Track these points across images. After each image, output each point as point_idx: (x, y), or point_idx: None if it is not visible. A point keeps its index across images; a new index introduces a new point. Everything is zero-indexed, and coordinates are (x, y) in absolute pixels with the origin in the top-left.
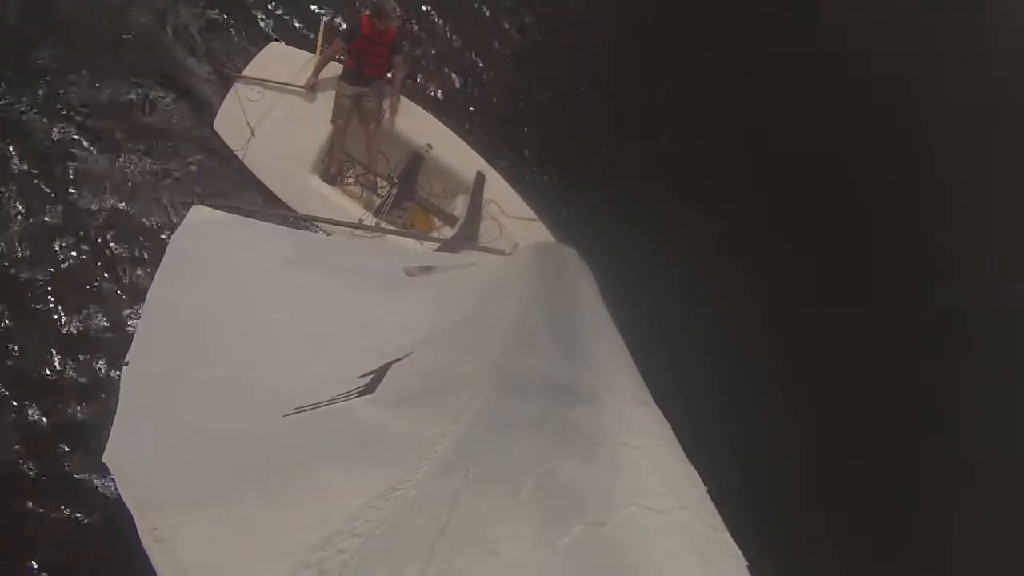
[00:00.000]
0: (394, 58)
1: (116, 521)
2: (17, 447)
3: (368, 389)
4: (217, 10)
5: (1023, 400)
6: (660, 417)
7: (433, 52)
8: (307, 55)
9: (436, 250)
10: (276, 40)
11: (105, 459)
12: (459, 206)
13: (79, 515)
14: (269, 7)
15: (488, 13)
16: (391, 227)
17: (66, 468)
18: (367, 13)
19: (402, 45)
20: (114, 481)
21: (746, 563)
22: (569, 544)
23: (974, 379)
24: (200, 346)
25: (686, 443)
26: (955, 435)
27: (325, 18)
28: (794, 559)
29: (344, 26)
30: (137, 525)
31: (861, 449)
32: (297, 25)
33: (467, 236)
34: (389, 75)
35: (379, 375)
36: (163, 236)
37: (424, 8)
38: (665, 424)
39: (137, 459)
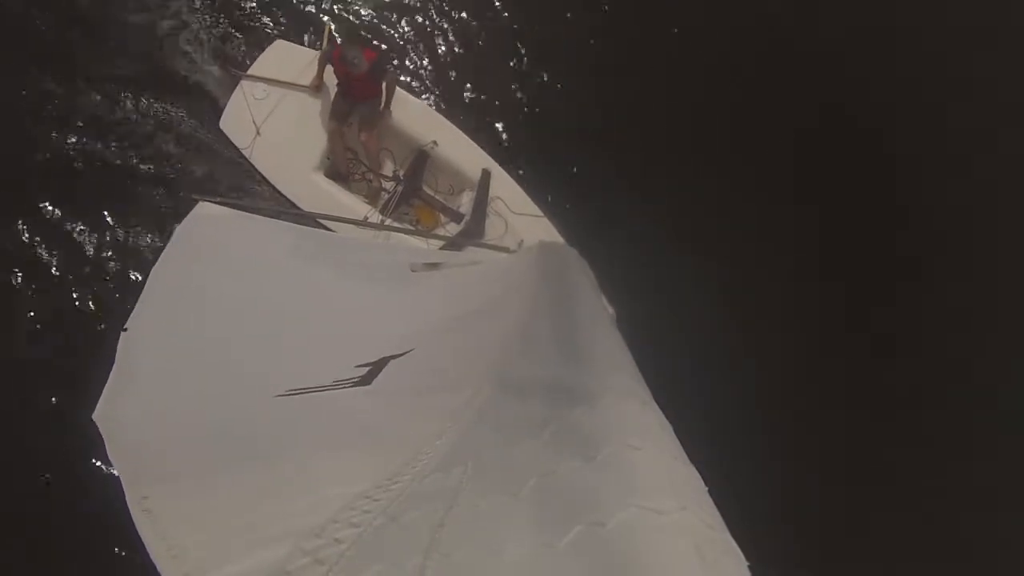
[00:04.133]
0: (380, 82)
1: (104, 488)
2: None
3: (364, 380)
4: (223, 9)
5: None
6: (661, 417)
7: (438, 50)
8: (313, 53)
9: (441, 247)
10: (282, 38)
11: (95, 417)
12: (465, 203)
13: (64, 478)
14: (275, 5)
15: (492, 11)
16: (396, 224)
17: (53, 426)
18: (339, 49)
19: (382, 72)
20: (102, 443)
21: (747, 563)
22: (570, 544)
23: (981, 382)
24: (198, 323)
25: (686, 443)
26: (959, 438)
27: (329, 16)
28: (794, 559)
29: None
30: (126, 493)
31: (862, 450)
32: (302, 23)
33: (472, 233)
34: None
35: (377, 368)
36: (168, 230)
37: (429, 6)
38: (666, 424)
39: (129, 421)
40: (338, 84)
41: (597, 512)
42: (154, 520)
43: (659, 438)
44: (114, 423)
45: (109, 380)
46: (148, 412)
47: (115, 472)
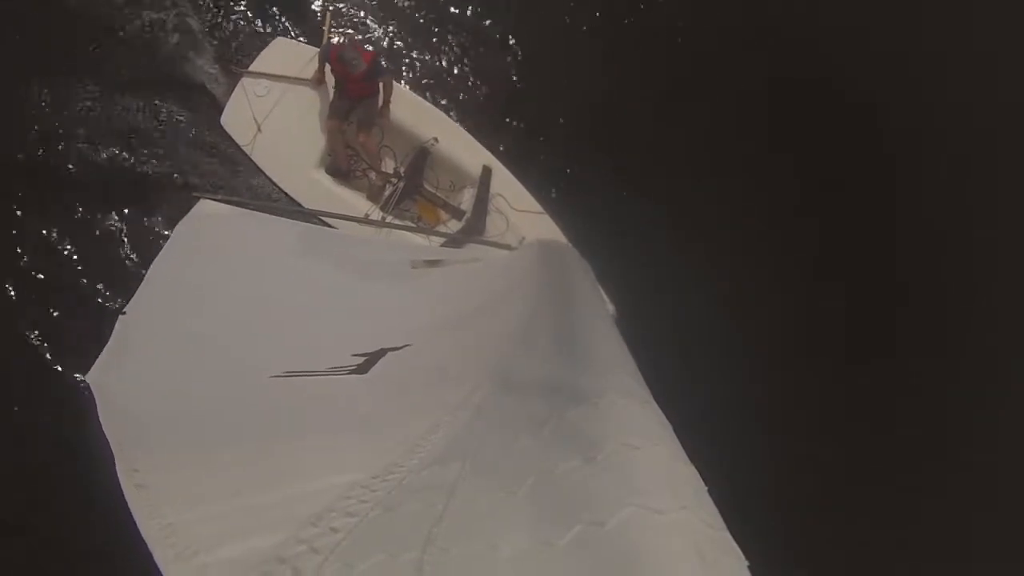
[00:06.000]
0: (378, 81)
1: (95, 456)
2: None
3: (360, 369)
4: (223, 6)
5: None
6: (661, 417)
7: (439, 47)
8: (313, 50)
9: (442, 244)
10: (282, 35)
11: (88, 378)
12: (466, 199)
13: (54, 444)
14: (275, 3)
15: (493, 9)
16: (397, 221)
17: (47, 392)
18: (336, 49)
19: (379, 71)
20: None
21: (747, 563)
22: (569, 543)
23: (982, 383)
24: (196, 312)
25: (686, 443)
26: (959, 439)
27: (330, 13)
28: (794, 559)
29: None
30: (116, 462)
31: (862, 449)
32: (303, 21)
33: (473, 230)
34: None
35: (373, 358)
36: (169, 227)
37: (430, 4)
38: (666, 424)
39: (121, 388)
40: (335, 83)
41: (597, 511)
42: (146, 496)
43: (659, 438)
44: (107, 388)
45: (104, 351)
46: (141, 384)
47: (106, 433)
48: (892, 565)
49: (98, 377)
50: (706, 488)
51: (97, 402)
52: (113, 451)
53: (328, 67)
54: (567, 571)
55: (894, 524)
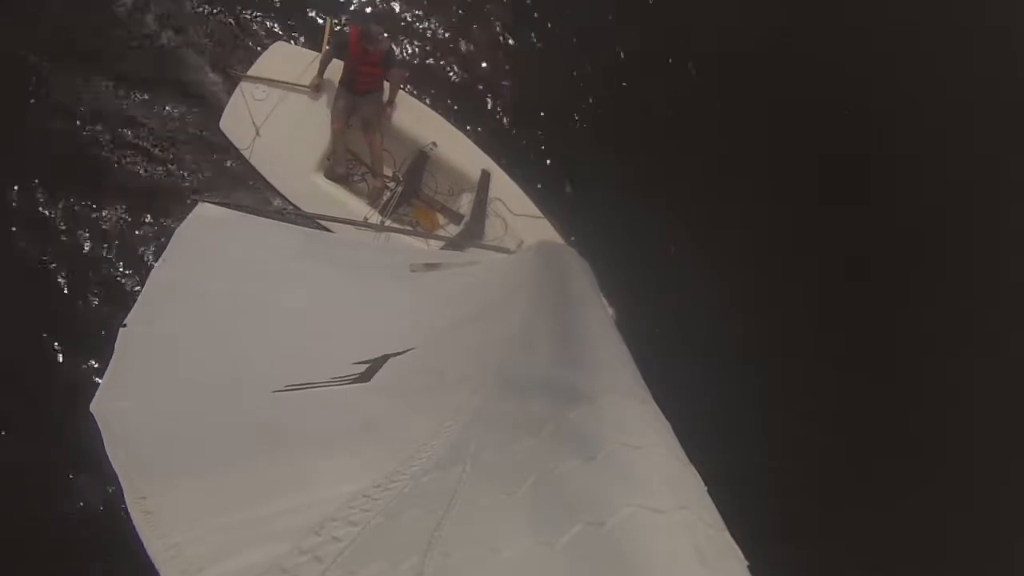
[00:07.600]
0: (388, 72)
1: (102, 480)
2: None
3: (363, 378)
4: (222, 10)
5: None
6: (660, 417)
7: (439, 51)
8: (312, 54)
9: (441, 248)
10: (281, 39)
11: (92, 408)
12: (464, 204)
13: (62, 471)
14: (274, 6)
15: (495, 13)
16: (396, 225)
17: (51, 418)
18: (357, 29)
19: (394, 60)
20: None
21: (746, 563)
22: (569, 543)
23: (984, 385)
24: (196, 321)
25: (686, 443)
26: (962, 442)
27: (330, 18)
28: (794, 559)
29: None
30: (124, 492)
31: (863, 451)
32: (303, 24)
33: (472, 234)
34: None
35: (375, 366)
36: (168, 230)
37: (429, 8)
38: (665, 424)
39: (125, 414)
40: (343, 75)
41: (596, 511)
42: (153, 521)
43: (659, 437)
44: (111, 415)
45: (107, 373)
46: (145, 406)
47: (113, 469)
48: (894, 565)
49: (100, 405)
50: (706, 488)
51: (102, 431)
52: (121, 482)
53: (332, 68)
54: (567, 571)
55: (894, 523)
